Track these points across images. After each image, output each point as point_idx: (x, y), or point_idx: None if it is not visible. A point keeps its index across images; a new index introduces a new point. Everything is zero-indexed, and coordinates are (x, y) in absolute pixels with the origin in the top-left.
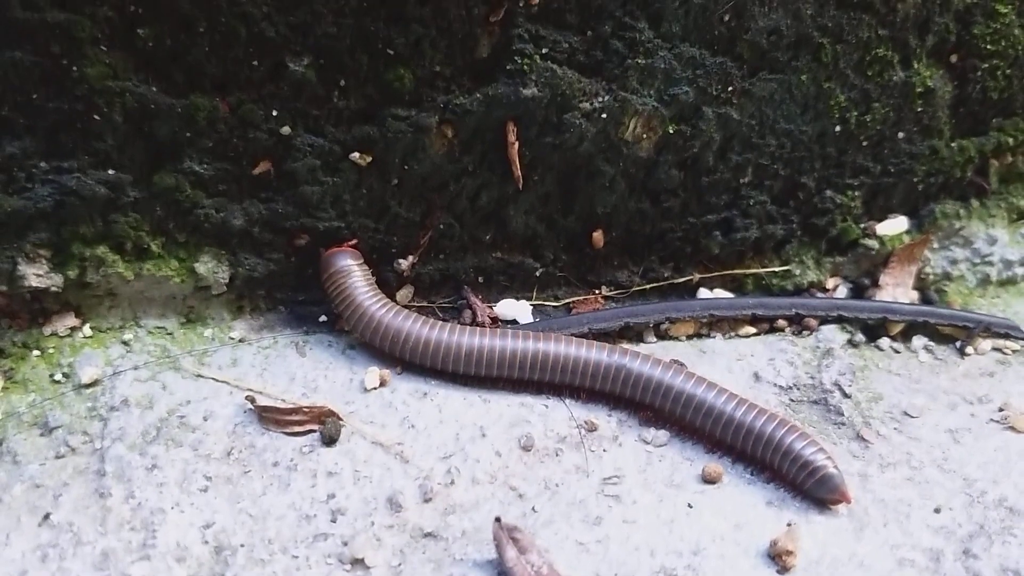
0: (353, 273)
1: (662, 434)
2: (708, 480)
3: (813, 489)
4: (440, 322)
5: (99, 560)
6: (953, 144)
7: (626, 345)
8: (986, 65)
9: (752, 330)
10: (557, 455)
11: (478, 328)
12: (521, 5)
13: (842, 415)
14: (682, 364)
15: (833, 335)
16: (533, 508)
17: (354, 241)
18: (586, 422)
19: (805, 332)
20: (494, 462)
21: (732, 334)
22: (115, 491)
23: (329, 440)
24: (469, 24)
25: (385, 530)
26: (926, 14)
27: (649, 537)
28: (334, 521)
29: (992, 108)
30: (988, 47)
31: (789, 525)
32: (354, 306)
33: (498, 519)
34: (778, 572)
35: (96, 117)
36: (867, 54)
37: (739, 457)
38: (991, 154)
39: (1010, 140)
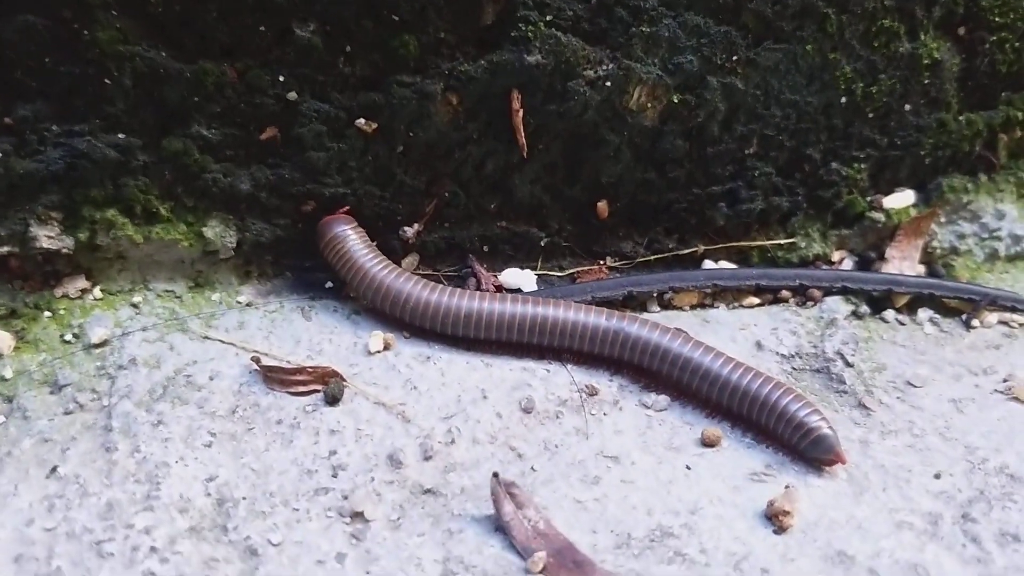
0: (350, 238)
1: (662, 399)
2: (707, 444)
3: (808, 450)
4: (442, 286)
5: (104, 510)
6: (961, 118)
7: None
8: (994, 38)
9: (756, 301)
10: (557, 418)
11: (480, 292)
12: None
13: (844, 383)
14: (683, 331)
15: (837, 306)
16: (532, 467)
17: (346, 208)
18: (587, 386)
19: (809, 303)
20: (495, 423)
21: (736, 304)
22: (121, 446)
23: (332, 400)
24: None
25: (385, 486)
26: None
27: (647, 497)
28: (335, 476)
29: (1001, 82)
30: (996, 19)
31: (787, 488)
32: (355, 269)
33: (496, 474)
34: (775, 532)
35: (107, 81)
36: (873, 24)
37: (736, 420)
38: (1000, 128)
39: (1019, 114)
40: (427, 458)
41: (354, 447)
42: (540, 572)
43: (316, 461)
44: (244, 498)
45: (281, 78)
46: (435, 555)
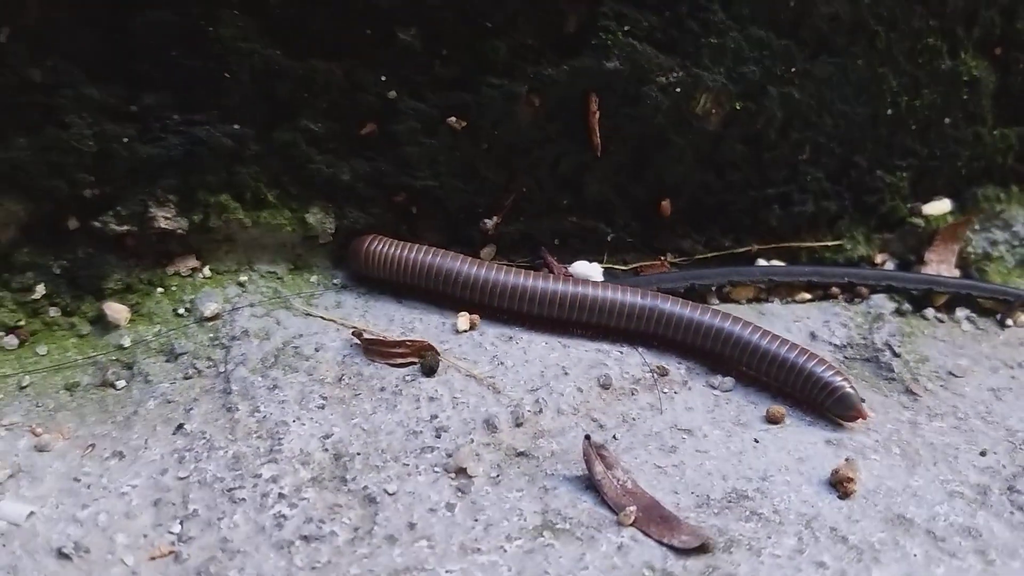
0: (385, 239)
1: (728, 380)
2: (771, 420)
3: (833, 407)
4: (519, 269)
5: (231, 462)
6: (995, 132)
7: None
8: None
9: (807, 296)
10: (632, 394)
11: (564, 277)
12: None
13: (892, 371)
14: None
15: (882, 303)
16: (614, 436)
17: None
18: (658, 367)
19: (856, 300)
20: (576, 396)
21: (788, 299)
22: (241, 407)
23: (428, 371)
24: (561, 1)
25: (483, 447)
26: (974, 7)
27: (720, 465)
28: (438, 437)
29: None
30: None
31: (847, 459)
32: (413, 262)
33: (588, 436)
34: (839, 497)
35: (226, 75)
36: (918, 42)
37: (766, 384)
38: None
39: None
40: (518, 424)
41: (452, 412)
42: (631, 524)
43: (419, 423)
44: (358, 454)
45: (383, 77)
46: (534, 507)
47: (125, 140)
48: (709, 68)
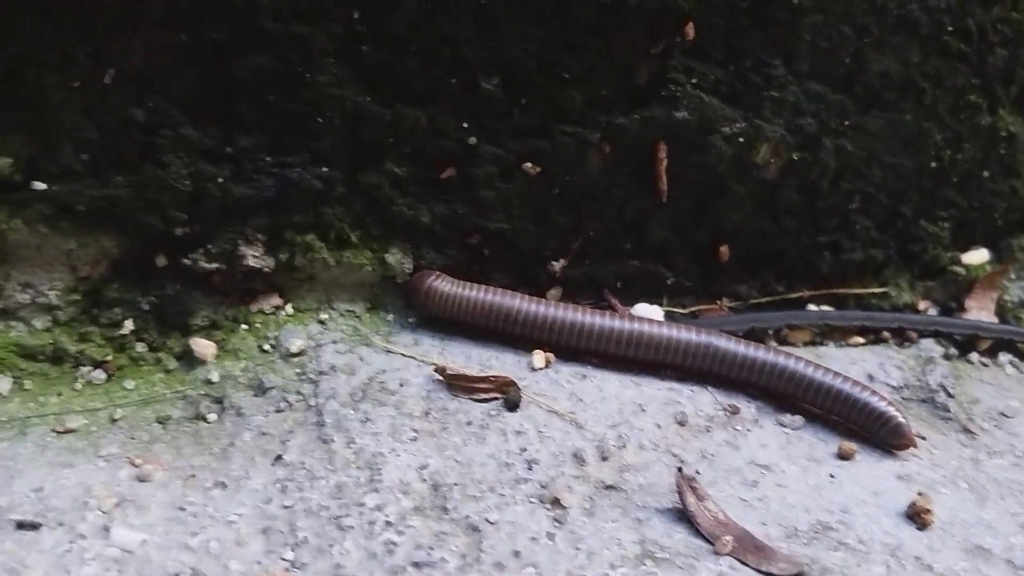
0: (445, 277)
1: (797, 419)
2: (843, 457)
3: (887, 436)
4: (594, 309)
5: (334, 491)
6: None
7: None
8: None
9: (860, 340)
10: (708, 431)
11: (635, 316)
12: (678, 41)
13: (948, 411)
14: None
15: (931, 347)
16: (696, 471)
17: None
18: (729, 406)
19: (906, 344)
20: (655, 432)
21: (843, 343)
22: (336, 438)
23: (512, 406)
24: (633, 55)
25: (573, 479)
26: (1012, 67)
27: (801, 498)
28: (530, 469)
29: None
30: None
31: (920, 493)
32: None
33: (680, 468)
34: (918, 528)
35: (319, 120)
36: (960, 99)
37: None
38: None
39: None
40: (604, 459)
41: (540, 446)
42: (728, 554)
43: (510, 456)
44: (455, 484)
45: (464, 124)
46: (631, 537)
47: (219, 180)
48: (770, 120)
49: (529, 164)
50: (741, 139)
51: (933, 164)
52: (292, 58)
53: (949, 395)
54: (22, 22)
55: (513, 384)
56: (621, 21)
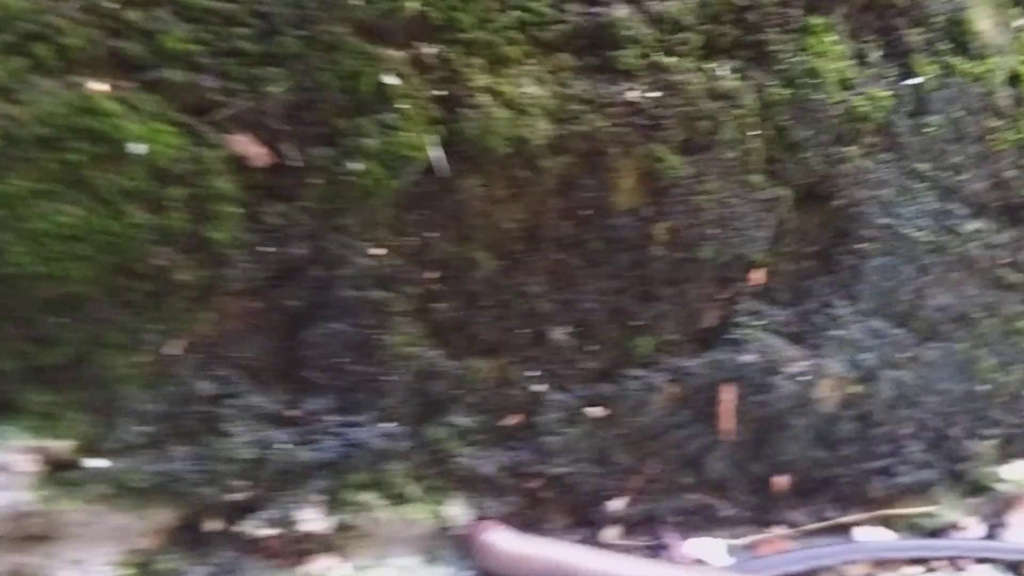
0: (503, 531)
1: None
2: None
3: None
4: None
5: None
6: None
7: None
8: None
9: (911, 571)
10: None
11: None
12: (746, 285)
13: None
14: None
15: (984, 573)
16: None
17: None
18: None
19: (959, 572)
20: None
21: (893, 574)
22: None
23: None
24: (702, 301)
25: None
26: None
27: None
28: None
29: None
30: None
31: None
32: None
33: None
34: None
35: (390, 378)
36: (1009, 325)
37: None
38: None
39: None
40: None
41: None
42: None
43: None
44: None
45: (533, 373)
46: None
47: (282, 445)
48: (832, 357)
49: (594, 408)
50: (804, 377)
51: (983, 388)
52: (367, 323)
53: None
54: (96, 309)
55: None
56: (695, 272)
